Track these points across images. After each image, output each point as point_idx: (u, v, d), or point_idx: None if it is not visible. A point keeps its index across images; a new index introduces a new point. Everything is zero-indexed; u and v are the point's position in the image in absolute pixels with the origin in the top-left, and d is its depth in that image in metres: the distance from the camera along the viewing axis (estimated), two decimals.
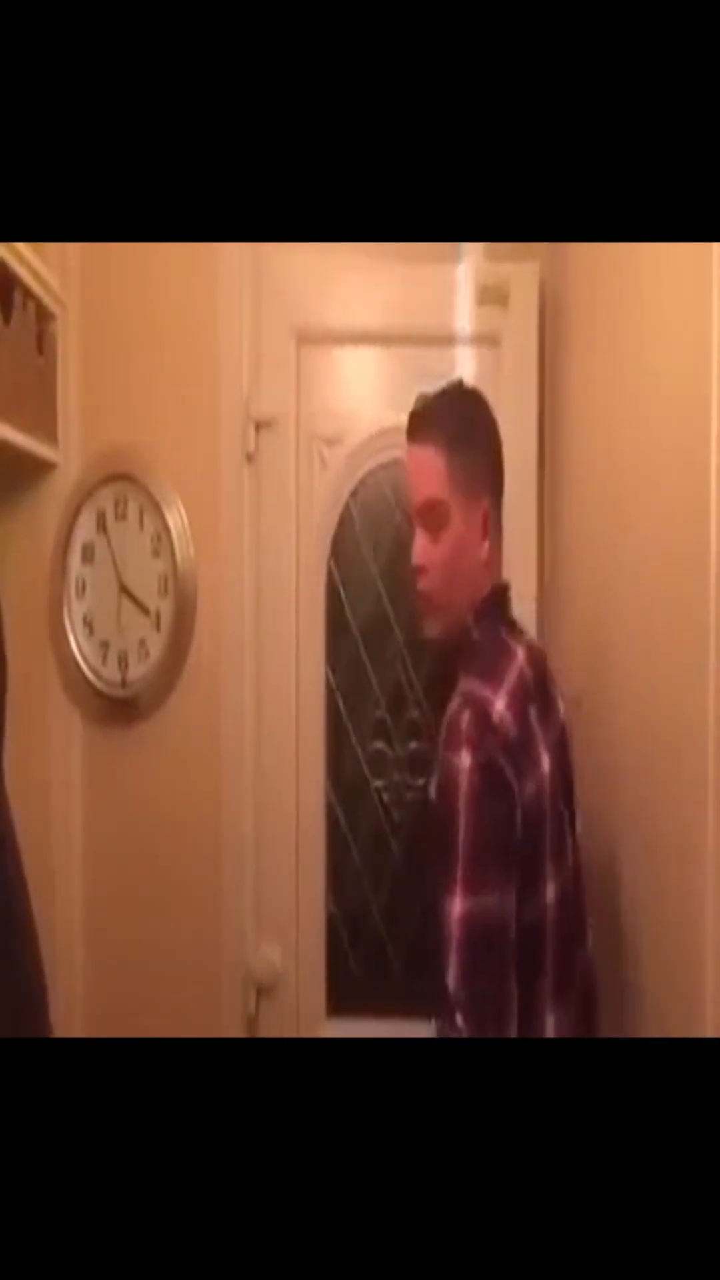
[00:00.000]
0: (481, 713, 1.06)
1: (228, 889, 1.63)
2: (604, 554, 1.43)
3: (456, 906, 1.01)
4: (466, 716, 1.06)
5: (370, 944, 1.74)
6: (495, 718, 1.06)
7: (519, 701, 1.10)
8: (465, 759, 1.04)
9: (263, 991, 1.64)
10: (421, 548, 1.19)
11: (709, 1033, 0.98)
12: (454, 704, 1.08)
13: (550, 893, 1.10)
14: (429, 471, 1.18)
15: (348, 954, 1.73)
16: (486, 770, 1.04)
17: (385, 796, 1.76)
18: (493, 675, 1.12)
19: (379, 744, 1.76)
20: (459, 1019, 0.99)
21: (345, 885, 1.72)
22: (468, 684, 1.10)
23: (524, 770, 1.08)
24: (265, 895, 1.65)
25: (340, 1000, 1.70)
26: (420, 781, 1.75)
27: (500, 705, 1.08)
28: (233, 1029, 1.61)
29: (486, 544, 1.20)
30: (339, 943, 1.71)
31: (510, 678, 1.12)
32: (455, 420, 1.20)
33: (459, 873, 1.02)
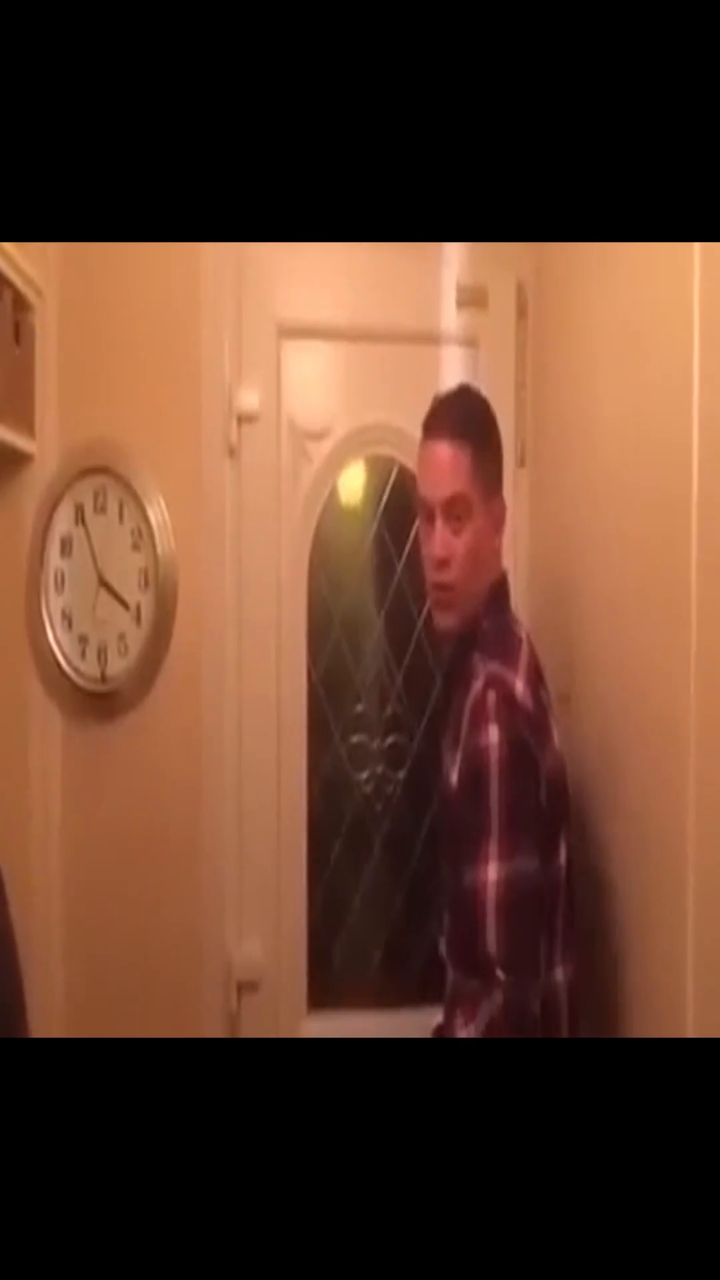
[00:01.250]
0: (506, 693, 1.16)
1: (208, 884, 1.62)
2: (585, 552, 1.43)
3: (491, 872, 1.10)
4: (493, 697, 1.15)
5: (352, 939, 1.74)
6: (519, 697, 1.16)
7: (532, 683, 1.20)
8: (494, 735, 1.13)
9: (244, 987, 1.64)
10: (444, 541, 1.25)
11: (690, 1032, 0.99)
12: (477, 686, 1.17)
13: (563, 858, 1.20)
14: (455, 467, 1.25)
15: (329, 949, 1.73)
16: (515, 745, 1.13)
17: (366, 790, 1.76)
18: (510, 659, 1.21)
19: (359, 738, 1.76)
20: (499, 974, 1.08)
21: (326, 880, 1.72)
22: (489, 667, 1.19)
23: (542, 744, 1.18)
24: (246, 890, 1.65)
25: (322, 995, 1.71)
26: (401, 775, 1.75)
27: (520, 686, 1.18)
28: (214, 1024, 1.61)
29: (500, 537, 1.30)
30: (320, 938, 1.71)
31: (523, 661, 1.22)
32: (476, 419, 1.29)
33: (493, 842, 1.11)
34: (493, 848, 1.11)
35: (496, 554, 1.30)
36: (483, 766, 1.13)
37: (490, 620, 1.27)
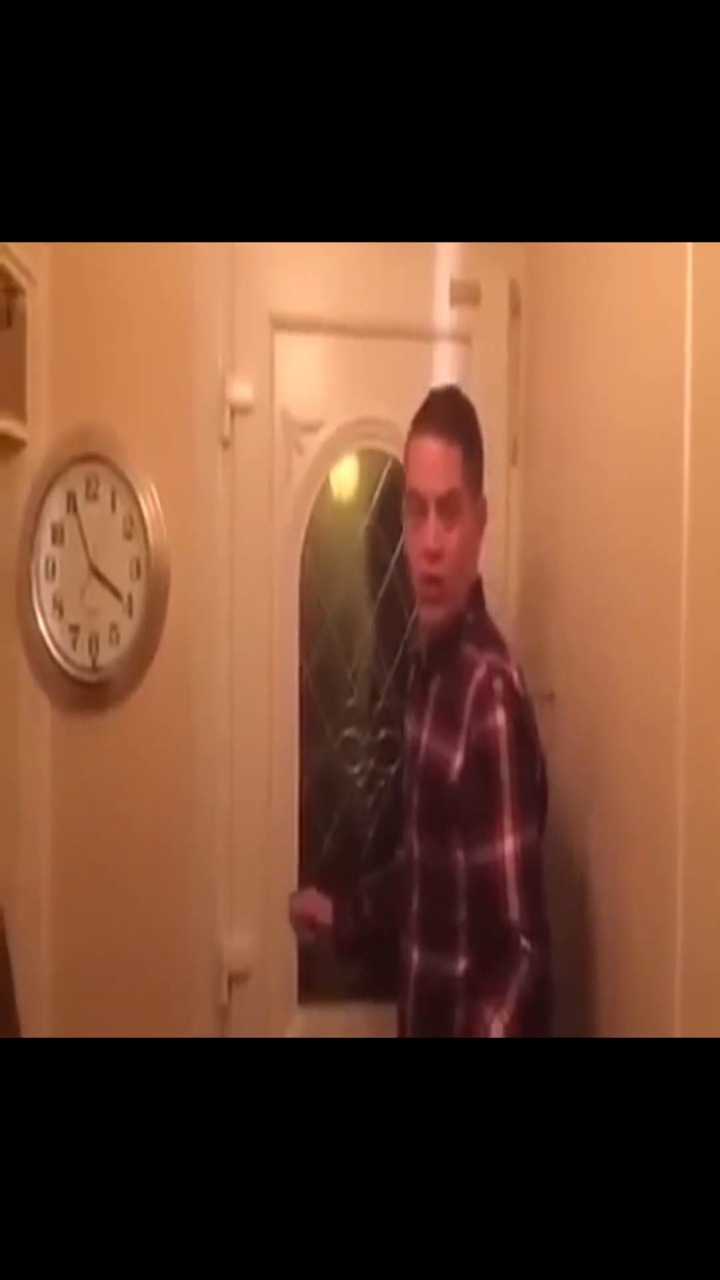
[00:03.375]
0: (508, 680, 1.23)
1: (199, 876, 1.62)
2: (577, 551, 1.43)
3: (509, 845, 1.16)
4: (499, 683, 1.22)
5: None
6: (516, 683, 1.24)
7: (519, 671, 1.27)
8: (501, 718, 1.20)
9: (234, 979, 1.64)
10: (438, 535, 1.28)
11: (677, 1032, 0.99)
12: (480, 673, 1.23)
13: (542, 830, 1.26)
14: (449, 464, 1.28)
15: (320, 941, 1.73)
16: (519, 726, 1.21)
17: (358, 784, 1.76)
18: (503, 650, 1.29)
19: (350, 731, 1.76)
20: (524, 943, 1.13)
21: (317, 873, 1.72)
22: (487, 656, 1.25)
23: (535, 727, 1.26)
24: (237, 883, 1.65)
25: (312, 988, 1.71)
26: (392, 769, 1.75)
27: (515, 675, 1.25)
28: (204, 1017, 1.61)
29: (482, 535, 1.35)
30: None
31: (509, 651, 1.29)
32: (469, 419, 1.33)
33: (506, 817, 1.17)
34: (508, 822, 1.16)
35: (479, 551, 1.35)
36: (493, 747, 1.19)
37: (474, 613, 1.32)
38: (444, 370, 1.64)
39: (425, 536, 1.28)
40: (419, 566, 1.31)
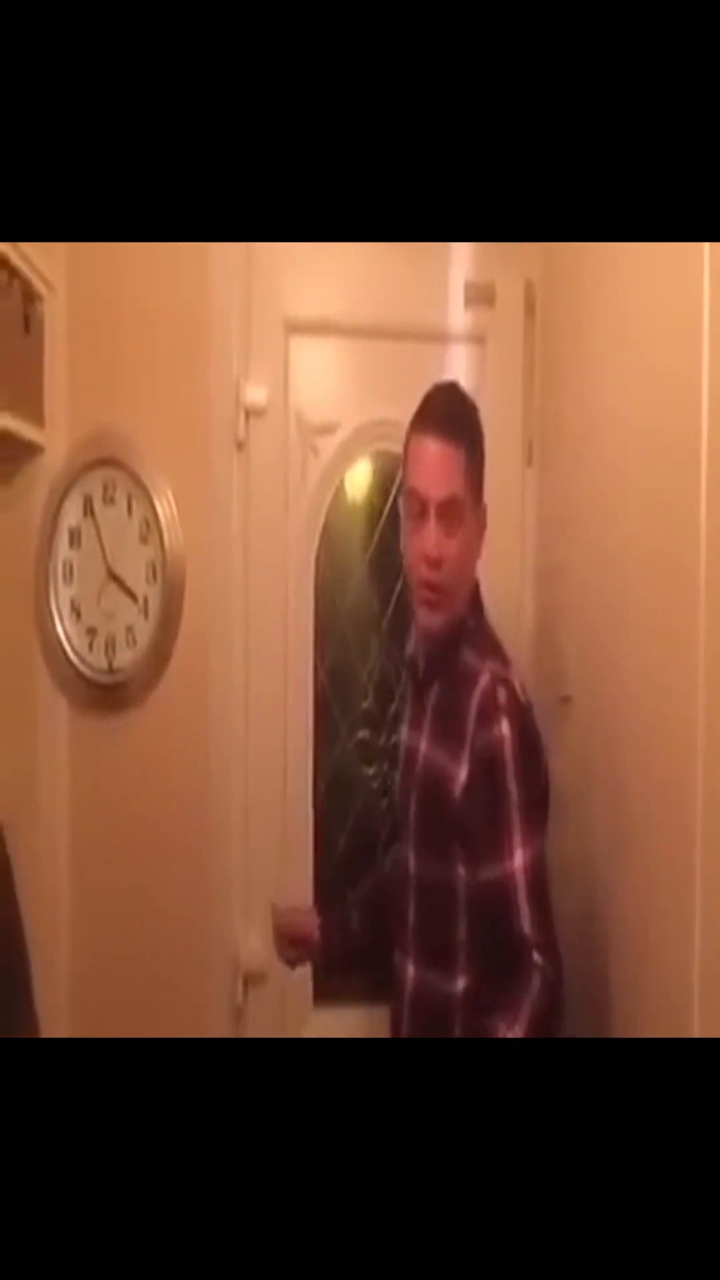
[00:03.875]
0: (511, 689, 1.20)
1: (215, 877, 1.63)
2: (594, 553, 1.43)
3: (518, 860, 1.14)
4: (503, 693, 1.19)
5: None
6: (519, 692, 1.21)
7: (520, 676, 1.25)
8: (506, 729, 1.17)
9: (250, 980, 1.65)
10: (438, 541, 1.24)
11: (696, 1032, 0.99)
12: (484, 682, 1.20)
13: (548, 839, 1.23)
14: (452, 470, 1.24)
15: None
16: (524, 736, 1.19)
17: (373, 785, 1.76)
18: (504, 658, 1.26)
19: (365, 733, 1.76)
20: (536, 957, 1.10)
21: (332, 874, 1.72)
22: (490, 665, 1.23)
23: (538, 735, 1.23)
24: (253, 884, 1.65)
25: (328, 989, 1.71)
26: None
27: (518, 683, 1.23)
28: (220, 1018, 1.61)
29: (482, 540, 1.30)
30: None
31: (510, 659, 1.27)
32: (471, 420, 1.29)
33: (514, 831, 1.15)
34: (516, 836, 1.14)
35: (479, 555, 1.31)
36: (499, 760, 1.17)
37: (474, 619, 1.29)
38: (459, 372, 1.64)
39: (425, 543, 1.24)
40: (417, 571, 1.27)
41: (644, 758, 1.21)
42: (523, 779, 1.16)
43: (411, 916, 1.28)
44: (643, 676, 1.22)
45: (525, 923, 1.12)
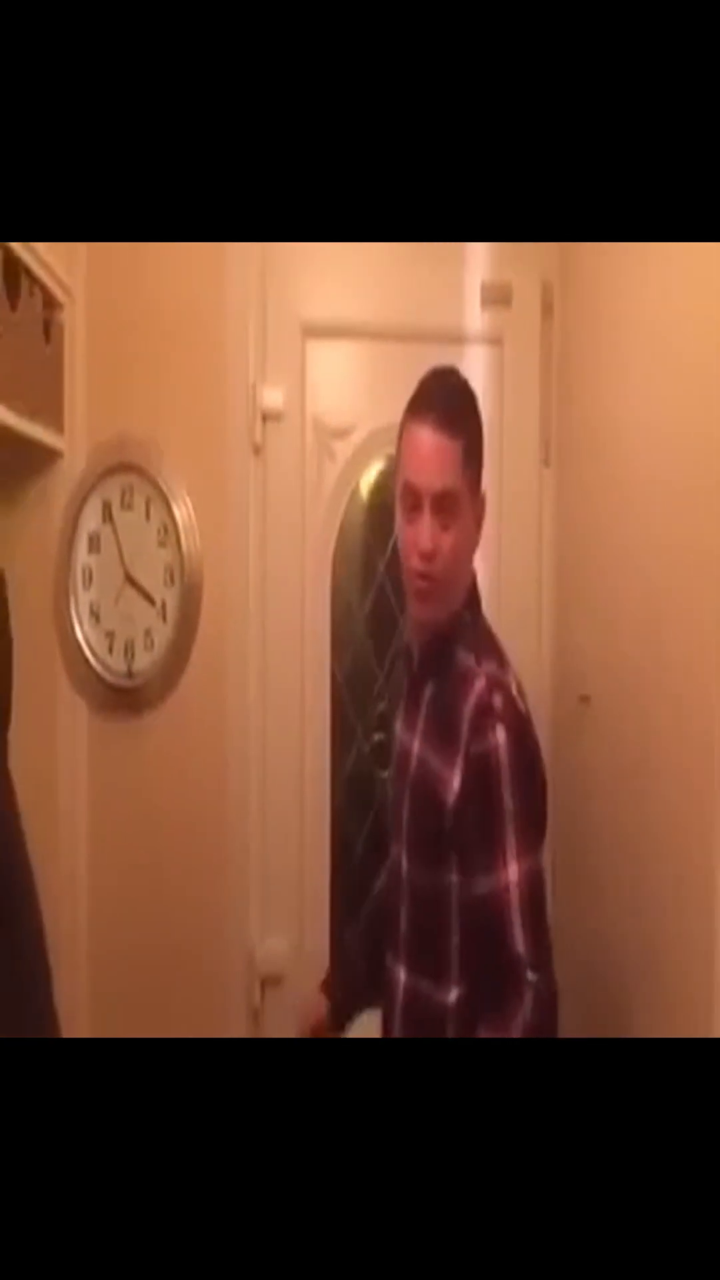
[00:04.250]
0: (508, 694, 1.15)
1: (233, 880, 1.63)
2: (612, 553, 1.42)
3: (511, 873, 1.09)
4: (498, 698, 1.14)
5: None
6: (516, 697, 1.16)
7: (517, 679, 1.20)
8: (502, 736, 1.12)
9: (268, 983, 1.65)
10: (433, 534, 1.19)
11: (717, 1032, 0.98)
12: (479, 687, 1.15)
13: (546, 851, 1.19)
14: (448, 460, 1.19)
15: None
16: (521, 744, 1.13)
17: (389, 788, 1.75)
18: (500, 657, 1.21)
19: (381, 735, 1.76)
20: (529, 975, 1.06)
21: (349, 875, 1.72)
22: (486, 667, 1.17)
23: (536, 742, 1.18)
24: (270, 885, 1.66)
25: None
26: None
27: (514, 687, 1.17)
28: (238, 1021, 1.62)
29: (479, 533, 1.25)
30: (343, 933, 1.71)
31: (507, 660, 1.22)
32: (468, 408, 1.24)
33: (508, 843, 1.10)
34: (510, 849, 1.10)
35: (475, 550, 1.26)
36: (493, 769, 1.12)
37: (470, 614, 1.24)
38: (476, 373, 1.63)
39: (420, 535, 1.19)
40: (410, 562, 1.21)
41: (664, 757, 1.20)
42: (519, 791, 1.11)
43: (404, 921, 1.24)
44: (662, 676, 1.21)
45: (518, 938, 1.08)
